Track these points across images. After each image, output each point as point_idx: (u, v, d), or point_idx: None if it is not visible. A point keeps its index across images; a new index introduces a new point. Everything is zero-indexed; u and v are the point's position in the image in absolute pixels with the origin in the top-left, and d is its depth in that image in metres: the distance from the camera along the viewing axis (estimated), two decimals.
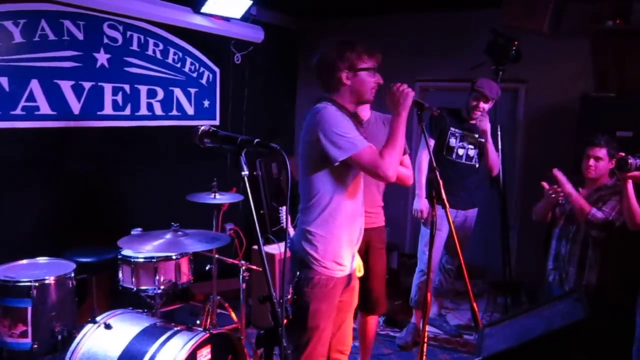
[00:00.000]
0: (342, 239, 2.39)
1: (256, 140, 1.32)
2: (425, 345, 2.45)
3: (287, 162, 1.34)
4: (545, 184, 3.39)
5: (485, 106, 3.88)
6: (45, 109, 3.53)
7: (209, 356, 2.60)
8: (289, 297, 2.32)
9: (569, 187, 3.30)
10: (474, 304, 2.38)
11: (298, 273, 2.36)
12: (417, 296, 4.10)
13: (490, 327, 3.30)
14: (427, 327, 4.22)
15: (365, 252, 3.05)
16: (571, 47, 4.62)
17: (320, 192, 2.35)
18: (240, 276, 3.42)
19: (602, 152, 3.30)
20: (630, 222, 2.99)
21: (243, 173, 1.31)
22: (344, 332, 2.63)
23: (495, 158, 4.06)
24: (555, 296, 3.34)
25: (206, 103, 4.79)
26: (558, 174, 3.34)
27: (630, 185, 2.91)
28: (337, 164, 2.26)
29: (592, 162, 3.31)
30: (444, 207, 2.39)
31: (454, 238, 2.58)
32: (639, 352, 2.93)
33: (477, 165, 4.10)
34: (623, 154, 2.87)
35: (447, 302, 4.64)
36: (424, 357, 2.46)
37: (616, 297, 3.34)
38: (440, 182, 2.37)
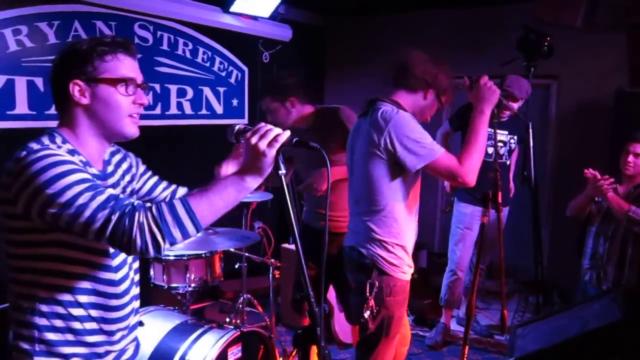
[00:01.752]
0: (411, 242, 2.40)
1: (295, 139, 1.31)
2: (467, 347, 2.37)
3: (328, 162, 1.34)
4: (589, 172, 3.25)
5: (514, 105, 3.81)
6: None
7: (240, 354, 2.61)
8: (371, 309, 2.28)
9: (605, 185, 3.22)
10: (504, 310, 2.32)
11: (377, 283, 2.30)
12: (447, 295, 4.06)
13: (522, 327, 3.25)
14: (457, 327, 4.21)
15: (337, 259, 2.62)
16: (605, 42, 4.51)
17: (392, 200, 2.30)
18: (270, 274, 3.43)
19: None
20: None
21: (281, 172, 1.31)
22: (407, 327, 2.75)
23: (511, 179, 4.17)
24: (590, 296, 3.27)
25: (235, 102, 4.82)
26: (592, 173, 3.24)
27: None
28: (414, 172, 2.24)
29: (631, 158, 3.23)
30: (497, 210, 2.32)
31: (499, 238, 2.53)
32: None
33: (507, 163, 4.04)
34: None
35: (477, 302, 4.59)
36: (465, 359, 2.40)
37: None
38: (499, 183, 2.30)
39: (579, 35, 4.41)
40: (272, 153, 1.30)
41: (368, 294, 2.28)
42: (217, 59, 4.61)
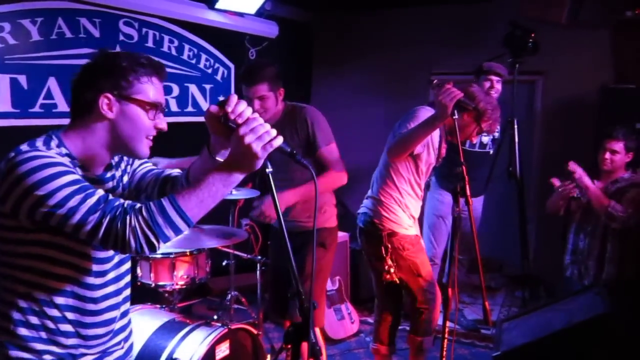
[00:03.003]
0: (407, 207, 2.97)
1: (288, 148, 1.32)
2: (446, 340, 2.44)
3: (315, 179, 1.38)
4: (554, 181, 3.39)
5: (498, 86, 3.87)
6: (63, 106, 3.56)
7: (228, 351, 2.61)
8: (390, 267, 2.92)
9: (586, 180, 3.27)
10: (486, 302, 2.37)
11: (389, 244, 2.90)
12: None
13: (508, 321, 3.28)
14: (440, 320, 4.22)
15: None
16: (590, 38, 4.55)
17: (394, 174, 2.96)
18: (258, 272, 3.43)
19: (618, 146, 3.27)
20: None
21: (268, 170, 1.31)
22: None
23: None
24: (574, 290, 3.31)
25: (221, 99, 4.80)
26: (574, 166, 3.31)
27: None
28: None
29: (608, 155, 3.29)
30: (467, 203, 2.37)
31: (472, 231, 2.57)
32: None
33: (490, 152, 4.07)
34: None
35: (464, 297, 4.62)
36: (445, 352, 2.44)
37: (636, 291, 3.30)
38: (466, 178, 2.36)
39: (565, 32, 4.44)
40: (264, 155, 1.29)
41: (385, 255, 2.90)
42: (203, 56, 4.59)
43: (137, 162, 1.68)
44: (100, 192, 1.31)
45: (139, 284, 3.26)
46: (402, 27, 5.30)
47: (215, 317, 3.69)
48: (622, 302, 3.00)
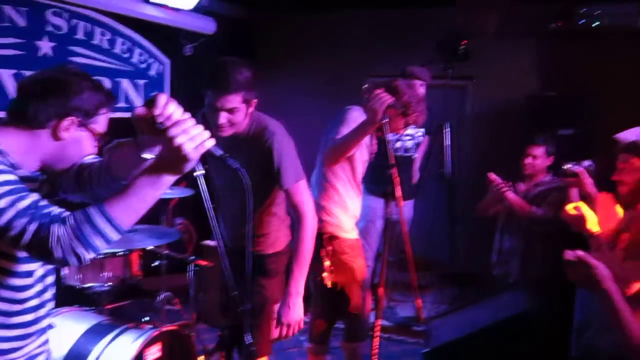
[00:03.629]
0: (348, 209, 2.89)
1: (219, 152, 1.29)
2: (377, 338, 2.49)
3: (248, 185, 1.35)
4: (492, 175, 3.51)
5: (422, 90, 3.97)
6: None
7: (159, 354, 2.55)
8: (326, 271, 2.78)
9: (505, 190, 3.44)
10: (418, 300, 2.45)
11: (330, 247, 2.78)
12: None
13: (438, 318, 3.39)
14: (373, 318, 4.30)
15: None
16: (517, 47, 4.76)
17: (333, 175, 2.87)
18: (191, 272, 3.37)
19: (539, 151, 3.46)
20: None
21: (197, 173, 1.28)
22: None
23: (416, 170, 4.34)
24: (500, 289, 3.46)
25: (150, 98, 4.68)
26: (494, 177, 3.48)
27: (573, 192, 2.97)
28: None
29: (529, 159, 3.48)
30: (397, 205, 2.43)
31: (402, 232, 2.64)
32: (577, 341, 3.07)
33: (414, 157, 4.18)
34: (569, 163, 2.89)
35: (396, 295, 4.72)
36: (376, 350, 2.49)
37: (556, 289, 3.49)
38: (397, 179, 2.41)
39: (495, 41, 4.62)
40: (196, 157, 1.25)
41: (323, 257, 2.77)
42: (137, 50, 4.46)
43: None
44: (33, 196, 1.26)
45: (64, 285, 3.13)
46: (343, 30, 5.36)
47: (146, 318, 3.59)
48: (543, 299, 3.17)
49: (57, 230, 1.20)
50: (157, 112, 1.25)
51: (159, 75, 4.71)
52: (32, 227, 1.20)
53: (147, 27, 4.45)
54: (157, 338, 2.53)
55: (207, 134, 1.26)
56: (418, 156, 4.36)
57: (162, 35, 4.63)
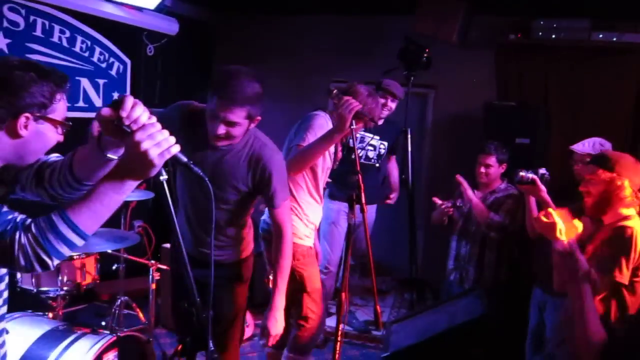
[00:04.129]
0: (309, 221, 2.89)
1: (184, 159, 1.29)
2: (339, 343, 2.51)
3: (211, 191, 1.35)
4: (436, 199, 3.62)
5: (392, 105, 4.05)
6: None
7: None
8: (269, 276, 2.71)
9: (470, 193, 3.53)
10: (377, 306, 2.48)
11: None
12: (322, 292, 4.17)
13: (397, 323, 3.44)
14: (333, 324, 4.32)
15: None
16: (477, 58, 4.88)
17: (292, 182, 2.80)
18: (150, 276, 3.33)
19: (491, 160, 3.55)
20: (530, 231, 3.11)
21: (162, 178, 1.27)
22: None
23: (396, 181, 4.45)
24: (456, 294, 3.54)
25: (116, 95, 4.60)
26: (461, 179, 3.56)
27: (531, 199, 3.01)
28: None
29: (482, 169, 3.57)
30: (362, 210, 2.46)
31: (365, 237, 2.67)
32: (531, 345, 3.16)
33: (376, 165, 4.24)
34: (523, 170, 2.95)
35: (356, 299, 4.76)
36: (338, 355, 2.51)
37: (510, 294, 3.59)
38: (362, 185, 2.44)
39: (455, 50, 4.73)
40: (161, 163, 1.23)
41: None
42: (97, 49, 4.37)
43: None
44: None
45: (18, 289, 3.05)
46: (304, 34, 5.38)
47: (102, 323, 3.53)
48: (497, 304, 3.26)
49: (20, 237, 1.18)
50: (123, 114, 1.24)
51: (119, 75, 4.62)
52: None
53: (108, 26, 4.36)
54: (114, 344, 2.50)
55: (173, 139, 1.25)
56: (392, 170, 4.47)
57: (123, 34, 4.55)
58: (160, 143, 1.22)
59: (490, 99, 4.70)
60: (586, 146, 3.15)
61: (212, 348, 1.24)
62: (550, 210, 1.89)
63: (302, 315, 2.89)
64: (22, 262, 1.18)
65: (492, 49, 4.78)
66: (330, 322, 4.30)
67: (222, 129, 2.08)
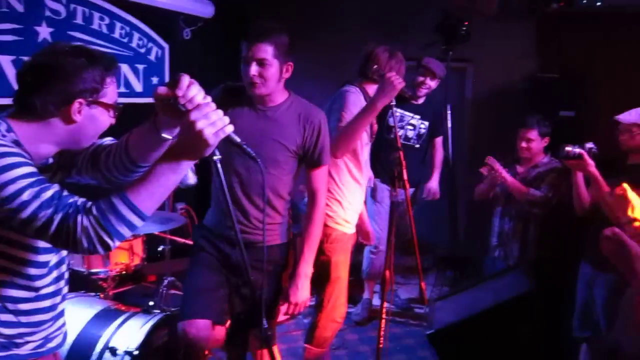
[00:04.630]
0: (348, 200, 2.76)
1: (237, 139, 1.31)
2: (383, 320, 2.51)
3: (263, 171, 1.38)
4: (483, 170, 3.54)
5: (431, 83, 3.96)
6: None
7: (167, 338, 2.58)
8: None
9: (503, 174, 3.45)
10: (422, 283, 2.47)
11: None
12: (369, 269, 4.18)
13: (440, 300, 3.42)
14: (380, 302, 4.35)
15: None
16: (517, 29, 4.74)
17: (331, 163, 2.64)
18: None
19: (533, 134, 3.46)
20: (578, 208, 3.05)
21: (215, 157, 1.28)
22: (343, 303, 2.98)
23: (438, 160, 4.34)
24: (500, 270, 3.49)
25: (155, 80, 4.66)
26: (493, 161, 3.48)
27: (579, 175, 2.95)
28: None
29: (524, 143, 3.48)
30: (404, 187, 2.44)
31: (406, 215, 2.67)
32: (579, 322, 3.11)
33: (416, 146, 4.17)
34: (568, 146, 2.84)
35: (398, 277, 4.76)
36: (382, 332, 2.52)
37: (555, 270, 3.53)
38: (404, 163, 2.42)
39: (494, 22, 4.60)
40: (216, 142, 1.24)
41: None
42: (136, 35, 4.42)
43: None
44: (55, 187, 1.26)
45: (70, 271, 3.15)
46: (339, 12, 5.31)
47: (150, 303, 3.62)
48: (543, 280, 3.20)
49: (82, 220, 1.21)
50: (179, 92, 1.26)
51: (158, 59, 4.68)
52: (58, 218, 1.21)
53: (145, 12, 4.40)
54: (164, 322, 2.56)
55: (227, 119, 1.26)
56: (437, 150, 4.35)
57: (160, 19, 4.59)
58: (215, 122, 1.23)
59: (531, 72, 4.58)
60: (632, 115, 3.03)
61: (266, 326, 1.26)
62: (625, 185, 1.80)
63: (318, 301, 2.80)
64: (85, 244, 1.21)
65: (532, 19, 4.63)
66: (376, 300, 4.34)
67: (254, 69, 2.15)
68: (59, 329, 1.58)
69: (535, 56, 4.72)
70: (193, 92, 1.27)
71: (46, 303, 1.48)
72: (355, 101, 2.72)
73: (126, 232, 1.25)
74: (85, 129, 1.41)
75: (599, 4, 4.31)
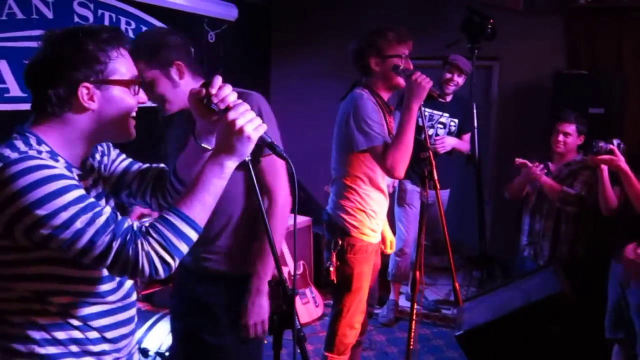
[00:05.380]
0: (373, 209, 2.65)
1: (269, 140, 1.28)
2: (414, 322, 2.49)
3: (294, 172, 1.31)
4: (519, 161, 3.44)
5: (459, 80, 3.93)
6: (15, 90, 3.41)
7: None
8: (333, 264, 2.61)
9: (537, 172, 3.39)
10: (456, 283, 2.44)
11: (340, 242, 2.61)
12: (395, 270, 4.17)
13: (468, 301, 3.39)
14: (406, 303, 4.33)
15: None
16: (544, 25, 4.66)
17: (351, 171, 2.59)
18: None
19: (571, 128, 3.39)
20: (604, 208, 3.03)
21: (247, 159, 1.28)
22: (374, 288, 2.99)
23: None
24: (530, 270, 3.44)
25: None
26: (521, 161, 3.41)
27: (604, 172, 2.93)
28: (357, 151, 2.46)
29: (561, 137, 3.41)
30: (434, 187, 2.43)
31: (440, 216, 2.64)
32: (611, 323, 3.04)
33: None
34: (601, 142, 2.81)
35: (425, 278, 4.72)
36: (413, 333, 2.50)
37: (587, 269, 3.46)
38: (433, 162, 2.40)
39: (520, 18, 4.54)
40: (256, 139, 1.23)
41: (332, 250, 2.61)
42: None
43: (113, 153, 1.54)
44: (107, 210, 1.19)
45: None
46: (362, 12, 5.30)
47: None
48: (574, 280, 3.15)
49: (143, 244, 1.16)
50: (212, 91, 1.26)
51: None
52: (116, 245, 1.15)
53: (170, 15, 4.46)
54: None
55: (259, 119, 1.26)
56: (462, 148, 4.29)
57: (185, 23, 4.64)
58: (252, 120, 1.24)
59: (559, 68, 4.49)
60: None
61: (299, 326, 1.26)
62: None
63: (338, 309, 2.72)
64: (147, 269, 1.16)
65: (560, 14, 4.54)
66: (402, 302, 4.32)
67: (142, 95, 1.55)
68: (135, 345, 1.55)
69: (562, 52, 4.63)
70: (226, 91, 1.27)
71: (124, 315, 1.41)
72: (373, 108, 2.52)
73: (185, 249, 1.20)
74: (108, 115, 1.28)
75: None
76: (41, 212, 1.11)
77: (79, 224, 1.13)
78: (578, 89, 4.14)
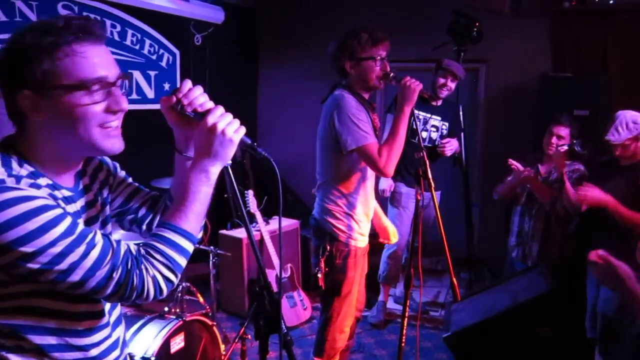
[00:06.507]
0: (361, 213, 2.61)
1: (249, 141, 1.25)
2: (406, 320, 2.50)
3: (277, 172, 1.29)
4: (512, 163, 3.44)
5: (452, 85, 3.93)
6: None
7: (183, 344, 2.58)
8: (321, 270, 2.57)
9: (527, 174, 3.41)
10: (454, 280, 2.47)
11: (328, 247, 2.57)
12: (386, 272, 4.16)
13: (457, 302, 3.39)
14: (394, 305, 4.32)
15: None
16: (530, 27, 4.70)
17: (336, 174, 2.55)
18: (210, 262, 3.39)
19: (565, 132, 3.41)
20: (568, 205, 3.14)
21: (227, 163, 1.25)
22: (362, 292, 2.94)
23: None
24: (518, 271, 3.45)
25: (167, 86, 4.68)
26: (514, 163, 3.43)
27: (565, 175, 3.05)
28: (346, 151, 2.43)
29: (554, 139, 3.42)
30: (429, 187, 2.44)
31: (436, 215, 2.66)
32: (590, 322, 3.08)
33: (439, 149, 4.14)
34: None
35: (413, 280, 4.72)
36: (404, 332, 2.50)
37: (575, 270, 3.48)
38: (427, 162, 2.41)
39: (507, 21, 4.56)
40: (238, 141, 1.19)
41: (320, 255, 2.58)
42: (147, 42, 4.45)
43: (120, 174, 1.44)
44: (99, 237, 1.09)
45: None
46: (350, 15, 5.30)
47: (165, 309, 3.62)
48: (562, 280, 3.16)
49: (149, 270, 1.11)
50: (179, 95, 1.22)
51: (169, 66, 4.70)
52: (117, 275, 1.08)
53: (156, 18, 4.43)
54: (181, 328, 2.56)
55: (238, 120, 1.22)
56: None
57: (171, 25, 4.62)
58: (232, 122, 1.20)
59: (545, 70, 4.53)
60: (622, 134, 2.94)
61: (285, 330, 1.24)
62: None
63: (328, 315, 2.71)
64: (152, 293, 1.11)
65: (546, 17, 4.58)
66: (389, 304, 4.31)
67: None
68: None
69: (548, 55, 4.67)
70: (195, 93, 1.22)
71: (109, 342, 1.28)
72: (358, 107, 2.50)
73: (184, 262, 1.16)
74: (65, 128, 1.09)
75: (612, 1, 4.27)
76: (27, 249, 1.01)
77: (71, 258, 1.04)
78: (564, 91, 4.18)
